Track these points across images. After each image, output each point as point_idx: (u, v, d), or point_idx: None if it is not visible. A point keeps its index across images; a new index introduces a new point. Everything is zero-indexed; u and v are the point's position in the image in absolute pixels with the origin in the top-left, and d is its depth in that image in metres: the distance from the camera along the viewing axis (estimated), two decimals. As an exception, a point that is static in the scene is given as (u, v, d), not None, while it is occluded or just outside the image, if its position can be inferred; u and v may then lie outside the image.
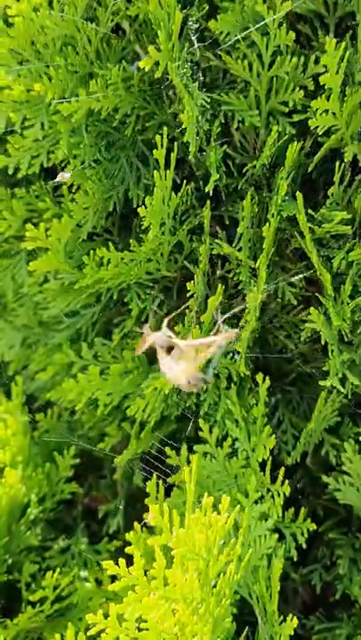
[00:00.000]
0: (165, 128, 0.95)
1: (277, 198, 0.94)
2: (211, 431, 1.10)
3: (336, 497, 1.16)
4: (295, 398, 1.22)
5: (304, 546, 1.07)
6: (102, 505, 1.32)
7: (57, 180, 1.02)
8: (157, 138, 0.94)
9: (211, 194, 1.01)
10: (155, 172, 0.94)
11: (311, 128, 0.98)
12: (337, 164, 0.97)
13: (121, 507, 1.29)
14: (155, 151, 0.94)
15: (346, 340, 1.05)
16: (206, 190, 0.98)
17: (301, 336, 1.08)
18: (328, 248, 1.02)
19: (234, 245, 1.01)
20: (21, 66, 0.98)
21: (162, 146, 0.94)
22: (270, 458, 1.06)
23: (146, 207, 0.95)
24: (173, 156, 0.96)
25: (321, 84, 0.91)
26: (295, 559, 1.12)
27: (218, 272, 1.09)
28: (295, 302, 1.06)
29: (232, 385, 1.09)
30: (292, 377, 1.21)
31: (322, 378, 1.18)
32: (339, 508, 1.22)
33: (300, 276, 1.04)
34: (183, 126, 0.95)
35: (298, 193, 0.93)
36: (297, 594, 1.27)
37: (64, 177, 1.02)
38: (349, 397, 1.05)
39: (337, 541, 1.19)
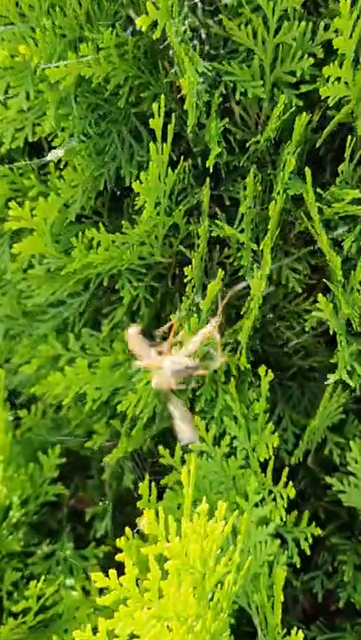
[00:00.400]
0: (162, 96, 0.86)
1: (284, 174, 0.86)
2: (207, 429, 1.03)
3: (339, 499, 1.08)
4: (296, 394, 1.14)
5: (308, 552, 1.00)
6: (89, 507, 1.25)
7: (49, 157, 0.93)
8: (154, 106, 0.86)
9: (210, 171, 0.93)
10: (150, 144, 0.86)
11: (320, 100, 0.91)
12: (349, 138, 0.90)
13: (109, 509, 1.22)
14: (151, 120, 0.86)
15: (353, 331, 0.98)
16: (207, 165, 0.90)
17: (306, 327, 1.00)
18: (336, 231, 0.94)
19: (235, 227, 0.93)
20: (5, 28, 0.90)
21: (159, 115, 0.85)
22: (272, 457, 0.99)
23: (141, 182, 0.87)
24: (171, 127, 0.88)
25: (334, 48, 0.83)
26: (297, 566, 1.05)
27: (216, 257, 1.01)
28: (300, 290, 0.98)
29: (231, 379, 1.01)
30: (293, 371, 1.13)
31: (325, 372, 1.12)
32: (341, 510, 1.15)
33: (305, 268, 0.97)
34: (182, 94, 0.87)
35: (306, 168, 0.85)
36: (297, 602, 1.19)
37: (57, 154, 0.93)
38: (358, 392, 0.98)
39: (340, 546, 1.11)
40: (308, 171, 0.86)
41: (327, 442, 1.10)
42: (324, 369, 1.12)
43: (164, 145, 0.88)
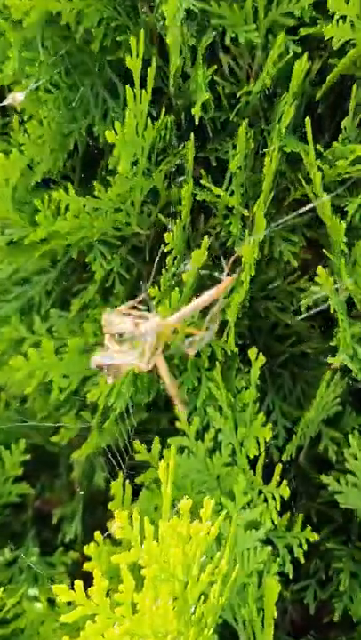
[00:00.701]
0: (142, 32, 0.75)
1: (280, 127, 0.75)
2: (189, 421, 0.91)
3: (333, 500, 0.97)
4: (287, 384, 1.03)
5: (302, 560, 0.89)
6: (57, 509, 1.16)
7: (7, 101, 0.82)
8: (132, 41, 0.75)
9: (196, 126, 0.82)
10: (127, 89, 0.75)
11: (320, 47, 0.80)
12: (353, 89, 0.79)
13: (79, 511, 1.12)
14: (128, 59, 0.75)
15: (354, 312, 0.87)
16: (193, 113, 0.79)
17: (302, 307, 0.89)
18: (338, 197, 0.83)
19: (224, 189, 0.82)
20: None
21: (137, 55, 0.74)
22: (263, 454, 0.87)
23: (116, 133, 0.75)
24: (151, 71, 0.77)
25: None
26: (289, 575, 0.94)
27: (201, 228, 0.90)
28: (295, 263, 0.87)
29: (216, 364, 0.90)
30: (284, 358, 1.02)
31: (319, 360, 1.01)
32: (336, 513, 1.04)
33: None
34: (164, 43, 0.75)
35: (306, 119, 0.74)
36: (285, 613, 1.08)
37: (17, 98, 0.81)
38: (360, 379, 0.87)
39: (336, 552, 1.00)
40: (308, 121, 0.75)
41: (322, 437, 0.99)
42: (318, 356, 1.02)
43: (143, 92, 0.77)
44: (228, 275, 0.71)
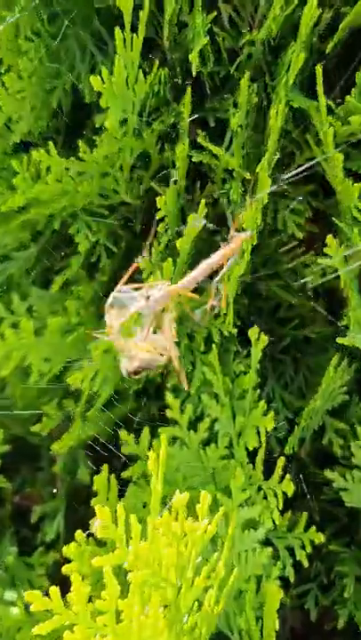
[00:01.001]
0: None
1: (288, 78, 0.67)
2: (182, 409, 0.83)
3: (336, 498, 0.89)
4: (289, 371, 0.95)
5: (305, 563, 0.81)
6: (37, 505, 1.08)
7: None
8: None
9: (193, 80, 0.74)
10: (116, 31, 0.66)
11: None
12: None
13: (61, 508, 1.05)
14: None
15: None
16: (190, 59, 0.70)
17: (308, 283, 0.80)
18: (349, 159, 0.75)
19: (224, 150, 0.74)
20: None
21: (128, -9, 0.66)
22: (263, 445, 0.79)
23: (103, 82, 0.66)
24: (144, 13, 0.68)
25: None
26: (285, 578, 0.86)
27: (197, 196, 0.81)
28: (301, 236, 0.79)
29: (212, 347, 0.81)
30: (286, 343, 0.94)
31: (323, 344, 0.93)
32: (339, 511, 0.96)
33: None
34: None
35: (317, 67, 0.66)
36: (284, 620, 1.00)
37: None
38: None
39: (340, 555, 0.92)
40: (319, 69, 0.66)
41: (326, 428, 0.90)
42: (321, 341, 0.93)
43: (134, 36, 0.68)
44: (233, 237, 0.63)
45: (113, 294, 0.63)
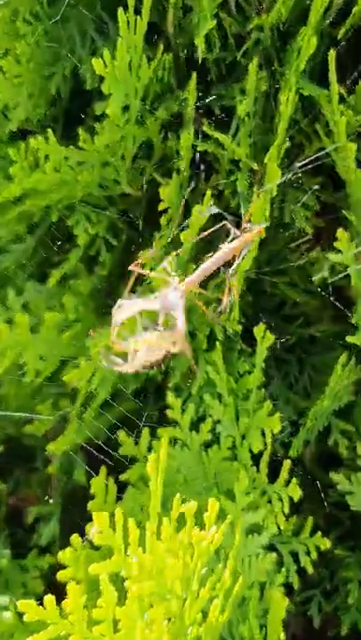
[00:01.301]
0: None
1: (298, 63, 0.64)
2: (183, 410, 0.80)
3: (341, 501, 0.86)
4: (293, 371, 0.92)
5: (310, 569, 0.78)
6: (32, 507, 1.06)
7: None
8: None
9: (198, 66, 0.70)
10: (119, 12, 0.63)
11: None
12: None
13: (57, 510, 1.03)
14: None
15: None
16: (196, 43, 0.67)
17: (315, 281, 0.77)
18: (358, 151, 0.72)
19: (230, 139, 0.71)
20: None
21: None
22: (268, 447, 0.76)
23: (105, 65, 0.63)
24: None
25: None
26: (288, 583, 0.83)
27: (202, 186, 0.78)
28: (309, 230, 0.76)
29: (216, 345, 0.78)
30: (291, 342, 0.91)
31: (329, 344, 0.90)
32: (343, 515, 0.93)
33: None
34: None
35: (330, 52, 0.63)
36: (286, 626, 0.97)
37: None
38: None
39: (345, 560, 0.89)
40: (331, 55, 0.63)
41: (331, 430, 0.87)
42: (327, 340, 0.90)
43: (138, 19, 0.65)
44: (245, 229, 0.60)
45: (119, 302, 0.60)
